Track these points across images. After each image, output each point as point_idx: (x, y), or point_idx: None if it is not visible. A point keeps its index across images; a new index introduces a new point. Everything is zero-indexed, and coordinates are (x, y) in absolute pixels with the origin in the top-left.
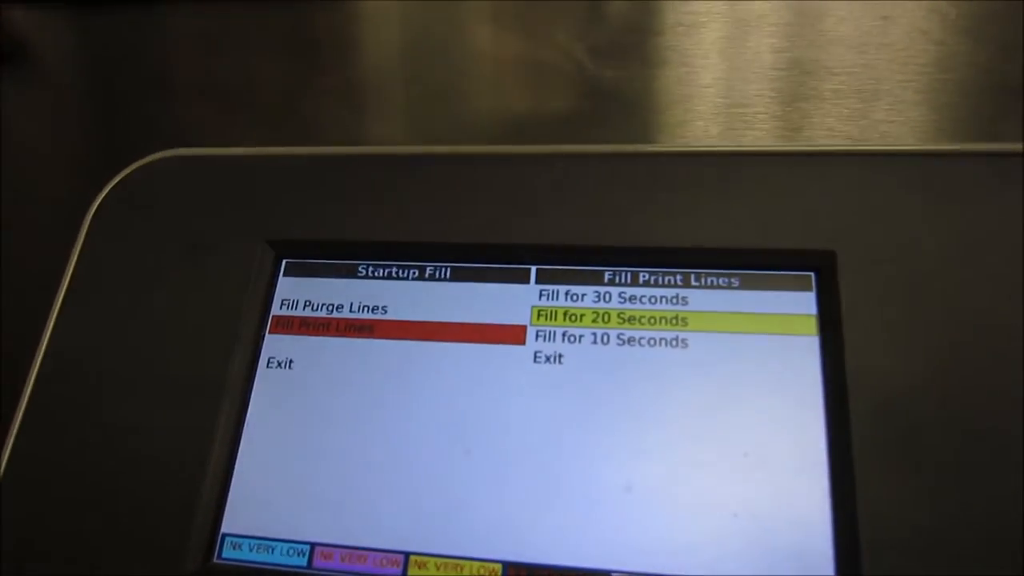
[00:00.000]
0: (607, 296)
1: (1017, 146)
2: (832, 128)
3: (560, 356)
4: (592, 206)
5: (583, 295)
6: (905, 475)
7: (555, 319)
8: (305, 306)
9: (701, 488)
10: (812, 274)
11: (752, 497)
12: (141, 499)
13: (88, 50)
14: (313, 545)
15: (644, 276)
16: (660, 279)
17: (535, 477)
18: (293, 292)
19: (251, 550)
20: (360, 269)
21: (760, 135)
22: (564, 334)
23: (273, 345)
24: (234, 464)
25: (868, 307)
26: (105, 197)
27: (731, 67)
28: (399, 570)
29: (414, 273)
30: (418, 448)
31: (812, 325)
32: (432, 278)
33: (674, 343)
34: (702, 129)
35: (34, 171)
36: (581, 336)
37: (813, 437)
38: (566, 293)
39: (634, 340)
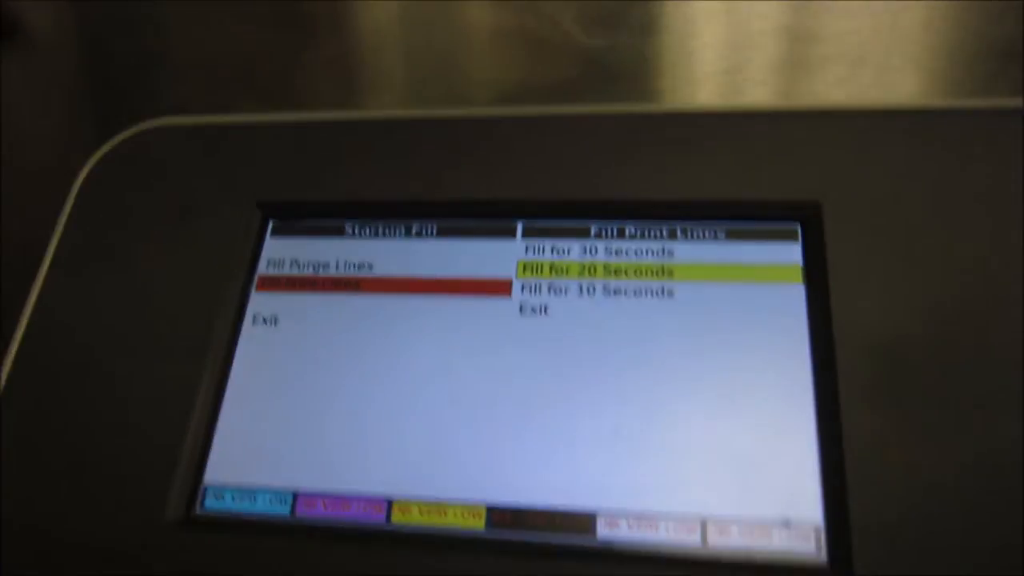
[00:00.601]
0: (593, 249)
1: (1015, 101)
2: (820, 93)
3: (546, 307)
4: (577, 161)
5: (569, 249)
6: (891, 416)
7: (541, 272)
8: (291, 265)
9: (688, 431)
10: (797, 224)
11: (739, 439)
12: (125, 451)
13: (82, 24)
14: (296, 493)
15: (630, 229)
16: (646, 232)
17: (521, 422)
18: (280, 252)
19: (233, 499)
20: (347, 228)
21: (749, 100)
22: (550, 286)
23: (259, 302)
24: (218, 416)
25: (854, 256)
26: (94, 165)
27: (720, 34)
28: (383, 516)
29: (400, 231)
30: (403, 398)
31: (798, 274)
32: (419, 235)
33: (660, 293)
34: (690, 96)
35: (27, 144)
36: (567, 288)
37: (799, 382)
38: (552, 247)
39: (620, 291)
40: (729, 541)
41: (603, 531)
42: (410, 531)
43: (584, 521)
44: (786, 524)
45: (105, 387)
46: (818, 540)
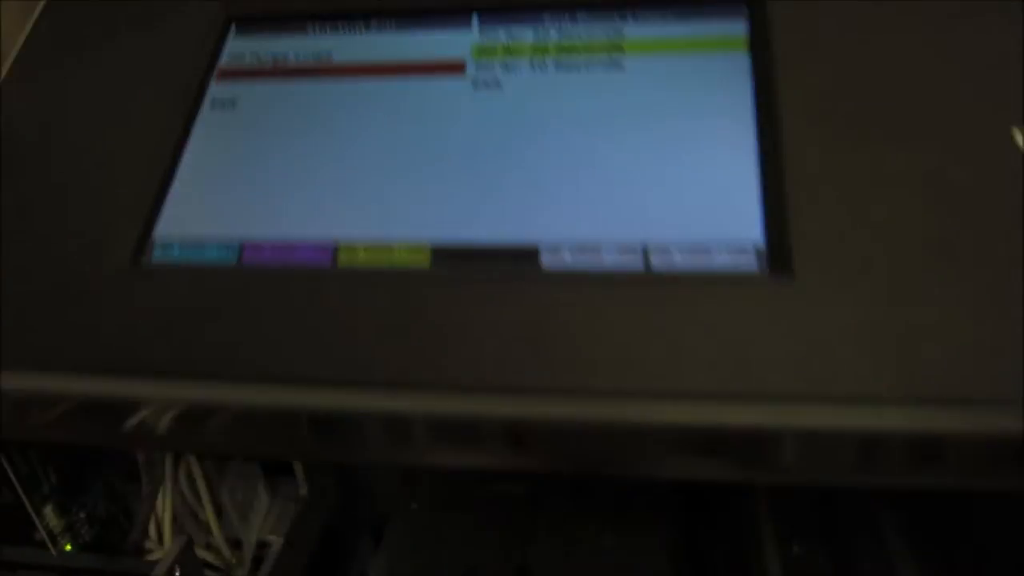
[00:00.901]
0: (545, 33)
1: None
2: None
3: (498, 82)
4: None
5: (522, 34)
6: (833, 148)
7: (495, 54)
8: (251, 58)
9: (631, 170)
10: (743, 3)
11: (681, 175)
12: (80, 212)
13: None
14: (243, 243)
15: (583, 15)
16: (597, 17)
17: (468, 171)
18: (241, 48)
19: (181, 251)
20: (308, 26)
21: None
22: (503, 65)
23: (218, 90)
24: (171, 181)
25: (799, 27)
26: None
27: None
28: (328, 259)
29: (360, 26)
30: (353, 158)
31: (743, 44)
32: (378, 30)
33: (610, 66)
34: None
35: None
36: (519, 65)
37: (743, 128)
38: (506, 33)
39: (571, 66)
40: (671, 263)
41: (547, 261)
42: (356, 272)
43: (527, 253)
44: (728, 244)
45: (68, 156)
46: (760, 257)
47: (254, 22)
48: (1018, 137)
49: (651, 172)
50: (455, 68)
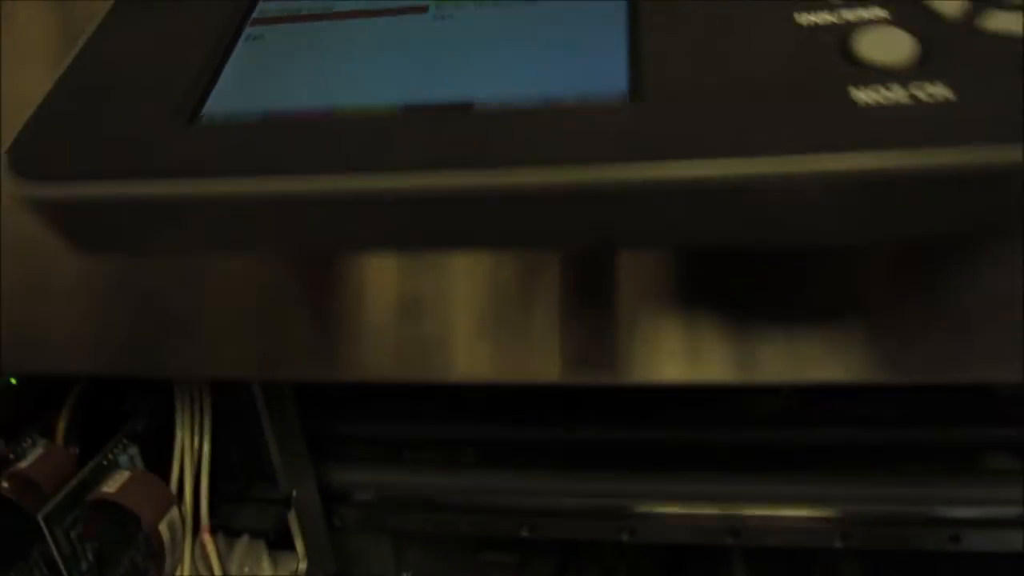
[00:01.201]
0: None
1: None
2: None
3: (452, 15)
4: None
5: None
6: (681, 31)
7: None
8: (275, 12)
9: (540, 57)
10: None
11: (574, 55)
12: (148, 99)
13: None
14: (267, 111)
15: None
16: None
17: (426, 63)
18: (269, 8)
19: (221, 119)
20: None
21: None
22: (455, 5)
23: (251, 31)
24: (214, 83)
25: None
26: None
27: None
28: (329, 116)
29: None
30: (345, 61)
31: None
32: None
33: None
34: None
35: None
36: (467, 5)
37: (619, 24)
38: None
39: (502, 3)
40: (563, 107)
41: (478, 110)
42: (346, 118)
43: (465, 105)
44: (603, 94)
45: (143, 64)
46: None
47: None
48: (795, 17)
49: (552, 57)
50: (420, 9)
